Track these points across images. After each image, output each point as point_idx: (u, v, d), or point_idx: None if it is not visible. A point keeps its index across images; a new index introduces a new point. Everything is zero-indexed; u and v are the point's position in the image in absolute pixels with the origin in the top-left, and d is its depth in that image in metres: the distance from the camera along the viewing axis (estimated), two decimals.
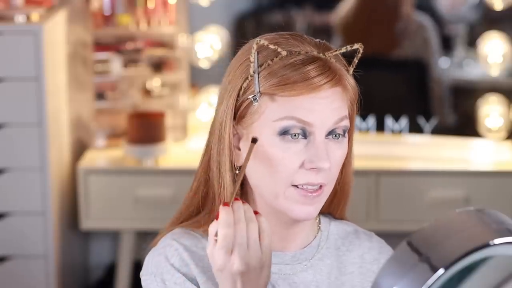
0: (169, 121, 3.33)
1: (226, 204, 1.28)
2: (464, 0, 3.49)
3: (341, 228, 1.53)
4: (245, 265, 1.26)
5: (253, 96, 1.36)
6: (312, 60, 1.37)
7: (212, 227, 1.28)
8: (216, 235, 1.27)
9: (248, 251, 1.26)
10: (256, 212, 1.31)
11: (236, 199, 1.30)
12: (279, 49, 1.37)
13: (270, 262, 1.30)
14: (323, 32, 3.44)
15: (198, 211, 1.48)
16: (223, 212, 1.27)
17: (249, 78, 1.38)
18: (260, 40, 1.36)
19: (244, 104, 1.39)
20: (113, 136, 3.36)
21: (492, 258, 0.98)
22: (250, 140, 1.36)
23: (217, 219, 1.28)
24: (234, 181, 1.41)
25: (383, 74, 3.39)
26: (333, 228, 1.52)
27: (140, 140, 3.18)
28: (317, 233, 1.50)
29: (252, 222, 1.28)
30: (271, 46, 1.37)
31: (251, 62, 1.37)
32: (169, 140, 3.26)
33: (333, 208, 1.52)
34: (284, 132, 1.36)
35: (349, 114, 1.40)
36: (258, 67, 1.37)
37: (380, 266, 1.49)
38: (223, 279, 1.28)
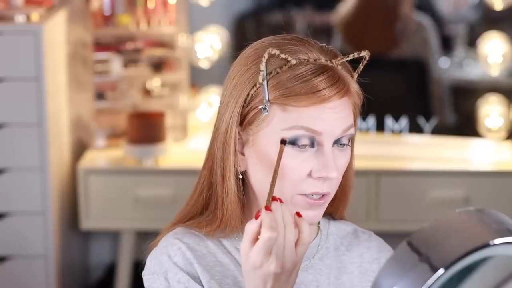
0: (169, 121, 3.33)
1: (268, 208, 1.29)
2: (466, 0, 3.49)
3: (340, 228, 1.53)
4: (280, 267, 1.27)
5: (263, 107, 1.36)
6: (322, 70, 1.37)
7: (251, 225, 1.28)
8: (259, 234, 1.28)
9: (284, 254, 1.28)
10: (299, 215, 1.32)
11: (274, 199, 1.30)
12: (289, 58, 1.37)
13: (299, 266, 1.31)
14: (323, 32, 3.44)
15: (201, 213, 1.48)
16: (267, 215, 1.28)
17: (257, 85, 1.38)
18: (272, 50, 1.36)
19: (252, 112, 1.39)
20: (113, 136, 3.36)
21: (492, 258, 0.98)
22: (256, 145, 1.38)
23: (256, 218, 1.28)
24: (238, 186, 1.42)
25: (383, 74, 3.39)
26: (332, 228, 1.52)
27: (140, 140, 3.18)
28: (317, 234, 1.50)
29: (289, 226, 1.29)
30: (282, 55, 1.36)
31: (260, 71, 1.36)
32: (169, 140, 3.26)
33: (333, 210, 1.53)
34: (293, 142, 1.36)
35: (353, 119, 1.41)
36: (266, 76, 1.36)
37: (379, 265, 1.50)
38: (254, 277, 1.28)
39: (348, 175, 1.47)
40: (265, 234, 1.26)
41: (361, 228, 1.55)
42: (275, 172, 1.34)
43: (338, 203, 1.51)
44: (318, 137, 1.36)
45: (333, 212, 1.53)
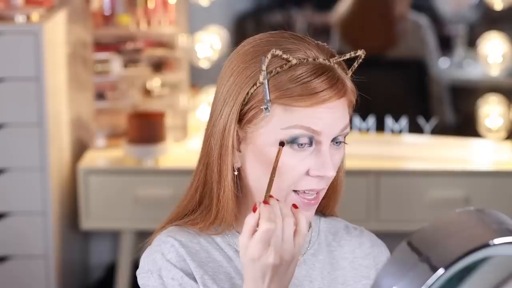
0: (169, 121, 3.33)
1: (266, 202, 1.31)
2: (466, 0, 3.49)
3: (331, 224, 1.54)
4: (279, 259, 1.29)
5: (264, 107, 1.37)
6: (321, 71, 1.37)
7: (250, 218, 1.30)
8: (257, 226, 1.29)
9: (282, 245, 1.29)
10: (295, 206, 1.34)
11: (270, 196, 1.32)
12: (290, 58, 1.37)
13: (298, 258, 1.33)
14: (323, 32, 3.44)
15: (194, 210, 1.48)
16: (265, 208, 1.30)
17: (257, 84, 1.38)
18: (275, 51, 1.36)
19: (252, 111, 1.39)
20: (113, 136, 3.36)
21: (492, 258, 0.98)
22: (254, 143, 1.39)
23: (254, 211, 1.30)
24: (234, 182, 1.42)
25: (383, 74, 3.39)
26: (323, 224, 1.53)
27: (140, 140, 3.18)
28: (308, 229, 1.51)
29: (288, 217, 1.31)
30: (284, 56, 1.37)
31: (262, 71, 1.36)
32: (169, 140, 3.26)
33: (324, 207, 1.53)
34: (292, 141, 1.37)
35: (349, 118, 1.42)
36: (267, 75, 1.37)
37: (373, 260, 1.52)
38: (253, 269, 1.29)
39: (339, 172, 1.48)
40: (263, 226, 1.28)
41: (352, 224, 1.56)
42: (273, 172, 1.34)
43: (328, 200, 1.52)
44: (317, 137, 1.38)
45: (324, 209, 1.54)
